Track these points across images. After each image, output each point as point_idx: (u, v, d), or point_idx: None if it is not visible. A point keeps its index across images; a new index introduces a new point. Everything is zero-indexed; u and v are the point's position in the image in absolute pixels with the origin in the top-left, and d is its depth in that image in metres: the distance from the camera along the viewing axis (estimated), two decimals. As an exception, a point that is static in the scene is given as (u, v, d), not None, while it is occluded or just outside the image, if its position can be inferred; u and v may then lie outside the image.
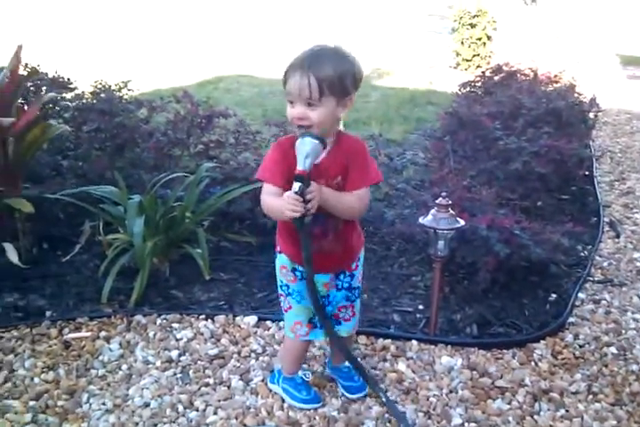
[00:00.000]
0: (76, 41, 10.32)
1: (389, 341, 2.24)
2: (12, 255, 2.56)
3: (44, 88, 3.69)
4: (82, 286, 2.56)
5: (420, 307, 2.49)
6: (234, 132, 3.60)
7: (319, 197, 1.54)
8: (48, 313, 2.37)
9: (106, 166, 3.27)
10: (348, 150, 1.66)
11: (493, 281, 2.50)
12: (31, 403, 1.88)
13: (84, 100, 3.68)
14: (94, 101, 3.64)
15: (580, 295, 2.59)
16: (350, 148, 1.67)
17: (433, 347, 2.21)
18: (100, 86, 3.79)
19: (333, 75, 1.55)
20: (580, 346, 2.24)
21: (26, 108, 3.10)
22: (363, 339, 2.24)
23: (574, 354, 2.18)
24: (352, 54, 1.64)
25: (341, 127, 1.74)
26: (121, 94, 3.79)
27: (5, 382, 1.98)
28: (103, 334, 2.23)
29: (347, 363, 1.96)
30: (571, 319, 2.40)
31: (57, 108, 3.59)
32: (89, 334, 2.22)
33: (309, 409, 1.88)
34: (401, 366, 2.10)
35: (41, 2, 16.17)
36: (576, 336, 2.30)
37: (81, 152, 3.46)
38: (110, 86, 3.81)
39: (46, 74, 3.76)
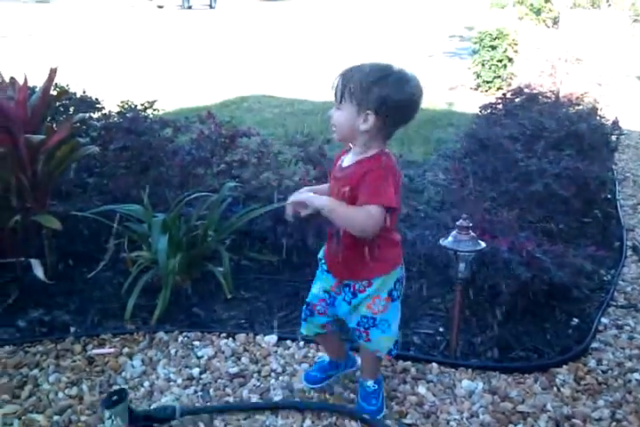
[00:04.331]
0: (103, 61, 10.57)
1: (410, 363, 2.23)
2: (38, 271, 2.61)
3: (71, 108, 3.80)
4: (106, 303, 2.60)
5: (441, 329, 2.48)
6: (256, 151, 3.64)
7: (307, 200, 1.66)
8: (72, 329, 2.40)
9: (131, 184, 3.32)
10: (367, 167, 1.66)
11: (515, 304, 2.49)
12: (55, 418, 1.90)
13: (111, 120, 3.77)
14: (121, 121, 3.73)
15: (603, 320, 2.56)
16: (369, 165, 1.67)
17: (453, 370, 2.20)
18: (126, 106, 3.89)
19: (358, 84, 1.60)
20: (604, 372, 2.21)
21: (55, 126, 3.19)
22: (383, 360, 2.24)
23: (597, 380, 2.16)
24: (407, 80, 1.64)
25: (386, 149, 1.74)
26: (146, 114, 3.88)
27: (30, 397, 2.00)
28: (126, 350, 2.26)
29: (370, 383, 1.96)
30: (594, 344, 2.37)
31: (84, 126, 3.67)
32: (112, 350, 2.25)
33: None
34: (421, 388, 2.10)
35: (69, 24, 16.61)
36: (599, 362, 2.27)
37: (107, 170, 3.53)
38: (136, 106, 3.90)
39: (74, 94, 3.87)
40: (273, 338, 2.33)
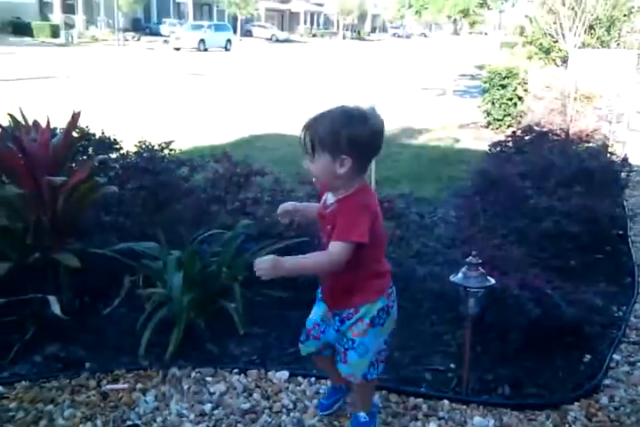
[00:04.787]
0: (122, 102, 10.88)
1: (421, 400, 2.23)
2: (55, 307, 2.67)
3: (90, 148, 3.92)
4: (120, 339, 2.63)
5: (452, 366, 2.48)
6: (270, 190, 3.73)
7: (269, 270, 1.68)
8: (87, 364, 2.44)
9: (147, 222, 3.40)
10: (345, 204, 1.75)
11: (526, 341, 2.49)
12: (70, 454, 1.93)
13: (129, 160, 3.88)
14: (138, 161, 3.84)
15: (615, 357, 2.55)
16: (347, 202, 1.76)
17: (465, 407, 2.20)
18: (143, 146, 4.01)
19: (326, 134, 1.69)
20: (616, 409, 2.20)
21: (75, 166, 3.31)
22: (394, 397, 2.25)
23: (609, 417, 2.14)
24: (367, 117, 1.70)
25: (372, 185, 1.83)
26: (163, 154, 3.99)
27: (44, 432, 2.03)
28: (139, 386, 2.29)
29: (362, 414, 1.99)
30: (606, 381, 2.37)
31: (102, 166, 3.79)
32: (126, 385, 2.28)
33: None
34: (432, 425, 2.10)
35: (90, 67, 17.15)
36: (611, 399, 2.26)
37: (124, 208, 3.62)
38: (153, 146, 4.02)
39: (94, 135, 4.00)
40: (284, 374, 2.35)
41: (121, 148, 4.02)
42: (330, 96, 11.70)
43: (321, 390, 2.28)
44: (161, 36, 37.85)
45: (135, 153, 3.95)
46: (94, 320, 2.79)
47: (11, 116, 3.10)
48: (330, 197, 1.83)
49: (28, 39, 30.87)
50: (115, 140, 4.08)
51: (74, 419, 2.10)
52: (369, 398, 2.04)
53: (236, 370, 2.39)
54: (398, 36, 72.16)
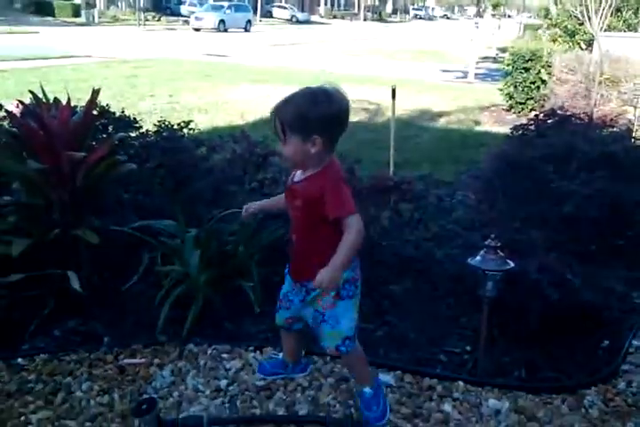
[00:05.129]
0: (142, 82, 10.88)
1: (436, 381, 2.23)
2: (75, 283, 2.70)
3: (110, 126, 3.94)
4: (138, 315, 2.66)
5: (468, 348, 2.47)
6: (287, 169, 3.71)
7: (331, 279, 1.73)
8: (106, 339, 2.47)
9: (165, 201, 3.42)
10: (320, 183, 1.81)
11: (544, 325, 2.47)
12: (87, 424, 1.96)
13: (148, 139, 3.89)
14: (157, 139, 3.85)
15: (635, 342, 2.53)
16: (320, 180, 1.81)
17: (480, 389, 2.19)
18: (162, 125, 4.01)
19: (295, 117, 1.75)
20: (633, 394, 2.18)
21: (94, 143, 3.32)
22: (408, 377, 2.25)
23: (627, 402, 2.13)
24: (331, 97, 1.76)
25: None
26: (182, 133, 3.99)
27: (63, 404, 2.07)
28: (156, 360, 2.32)
29: (367, 389, 2.01)
30: (624, 367, 2.34)
31: (122, 144, 3.80)
32: (143, 360, 2.31)
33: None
34: (447, 406, 2.10)
35: (113, 47, 17.18)
36: (629, 384, 2.24)
37: (142, 186, 3.64)
38: (172, 126, 4.02)
39: (113, 113, 4.01)
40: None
41: (140, 126, 4.03)
42: (347, 78, 11.59)
43: (336, 369, 2.29)
44: (181, 16, 37.69)
45: (155, 132, 3.96)
46: (113, 296, 2.81)
47: (32, 93, 3.11)
48: (298, 175, 1.90)
49: (49, 19, 30.96)
50: (134, 119, 4.09)
51: (91, 392, 2.13)
52: (361, 372, 2.05)
53: (251, 347, 2.41)
54: (420, 18, 71.13)
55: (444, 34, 33.37)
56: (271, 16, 48.69)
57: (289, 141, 1.78)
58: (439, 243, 3.35)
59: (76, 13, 32.92)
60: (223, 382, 2.19)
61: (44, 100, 3.11)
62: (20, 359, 2.32)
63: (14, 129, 3.03)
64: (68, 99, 3.02)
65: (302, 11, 53.83)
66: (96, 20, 31.99)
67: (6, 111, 3.28)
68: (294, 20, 46.98)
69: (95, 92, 3.08)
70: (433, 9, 77.57)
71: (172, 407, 2.05)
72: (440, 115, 8.59)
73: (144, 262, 3.02)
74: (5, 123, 3.40)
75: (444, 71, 14.89)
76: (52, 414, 2.01)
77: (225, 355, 2.36)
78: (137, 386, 2.17)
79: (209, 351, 2.39)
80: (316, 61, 16.15)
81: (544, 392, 2.17)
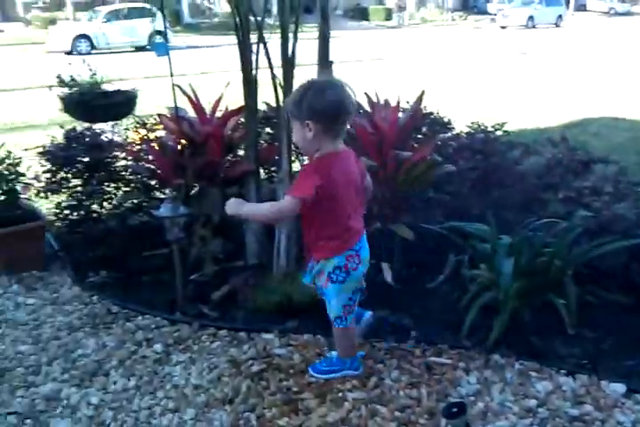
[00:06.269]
0: (448, 82, 11.06)
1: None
2: (387, 274, 2.88)
3: (423, 128, 4.05)
4: (443, 314, 2.70)
5: None
6: (613, 180, 3.37)
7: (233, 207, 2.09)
8: (413, 333, 2.56)
9: (474, 204, 3.40)
10: (303, 169, 2.14)
11: None
12: (396, 413, 2.05)
13: (460, 140, 3.90)
14: (470, 141, 3.84)
15: None
16: (305, 167, 2.14)
17: None
18: (475, 127, 3.99)
19: (292, 104, 2.02)
20: None
21: (413, 144, 3.46)
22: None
23: None
24: (325, 89, 1.98)
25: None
26: (494, 135, 3.91)
27: (375, 388, 2.20)
28: (462, 364, 2.32)
29: (334, 353, 2.33)
30: None
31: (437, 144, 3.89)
32: (449, 361, 2.33)
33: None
34: None
35: (418, 48, 17.85)
36: None
37: (452, 187, 3.67)
38: (486, 127, 3.97)
39: (432, 114, 4.12)
40: (620, 387, 2.13)
41: (453, 128, 4.07)
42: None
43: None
44: (488, 14, 37.26)
45: (467, 133, 3.96)
46: (419, 292, 2.91)
47: (367, 95, 3.36)
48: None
49: (364, 23, 33.48)
50: (449, 120, 4.15)
51: (400, 382, 2.23)
52: (344, 347, 2.29)
53: (563, 371, 2.25)
54: None
55: None
56: (585, 9, 45.03)
57: (294, 128, 2.06)
58: None
59: (388, 17, 34.96)
60: (532, 403, 2.08)
61: (374, 100, 3.35)
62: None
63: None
64: (398, 101, 3.19)
65: (623, 1, 48.58)
66: (406, 22, 33.54)
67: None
68: (612, 12, 42.67)
69: (422, 93, 3.20)
70: None
71: (477, 416, 2.03)
72: None
73: (450, 263, 3.06)
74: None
75: None
76: (365, 396, 2.15)
77: (533, 373, 2.25)
78: (443, 387, 2.19)
79: (516, 366, 2.30)
80: None
81: None
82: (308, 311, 2.72)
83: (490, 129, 3.96)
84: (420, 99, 3.24)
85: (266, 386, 2.23)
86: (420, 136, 3.89)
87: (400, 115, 3.23)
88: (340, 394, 2.17)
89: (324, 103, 1.96)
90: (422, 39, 23.13)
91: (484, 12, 39.16)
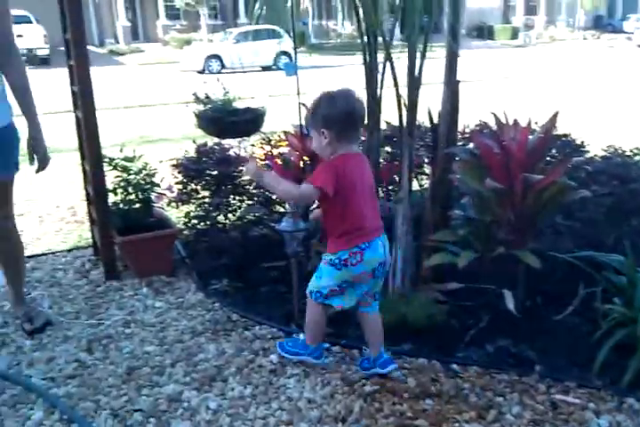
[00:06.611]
0: (578, 103, 10.51)
1: None
2: (509, 302, 2.73)
3: (553, 150, 3.86)
4: (571, 349, 2.53)
5: None
6: None
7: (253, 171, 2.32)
8: (537, 367, 2.41)
9: (607, 232, 3.18)
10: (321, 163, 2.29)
11: None
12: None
13: (595, 163, 3.68)
14: (606, 165, 3.60)
15: None
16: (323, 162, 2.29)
17: None
18: (612, 151, 3.75)
19: (309, 113, 2.24)
20: None
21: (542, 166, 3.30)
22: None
23: None
24: (335, 100, 2.17)
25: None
26: (634, 160, 3.65)
27: (494, 422, 2.09)
28: (592, 405, 2.15)
29: (302, 335, 2.50)
30: None
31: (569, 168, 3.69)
32: (578, 401, 2.17)
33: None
34: None
35: (544, 66, 17.12)
36: None
37: (583, 214, 3.46)
38: (624, 151, 3.72)
39: (564, 135, 3.92)
40: None
41: (587, 151, 3.86)
42: None
43: None
44: (624, 32, 35.15)
45: (602, 157, 3.72)
46: (545, 323, 2.75)
47: (494, 115, 3.26)
48: None
49: (489, 42, 32.79)
50: (582, 142, 3.93)
51: (522, 419, 2.09)
52: (308, 328, 2.43)
53: None
54: None
55: None
56: None
57: (312, 137, 2.24)
58: None
59: (514, 35, 34.02)
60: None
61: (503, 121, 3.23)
62: (454, 365, 2.45)
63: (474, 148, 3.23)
64: (529, 121, 3.06)
65: None
66: (533, 41, 32.45)
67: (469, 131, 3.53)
68: None
69: (555, 114, 3.05)
70: None
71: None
72: None
73: (580, 295, 2.86)
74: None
75: None
76: (483, 429, 2.05)
77: (678, 423, 2.04)
78: (570, 427, 2.04)
79: (660, 411, 2.10)
80: None
81: None
82: (422, 334, 2.66)
83: (628, 153, 3.72)
84: (553, 119, 3.09)
85: (379, 408, 2.18)
86: (548, 159, 3.72)
87: (530, 136, 3.10)
88: (457, 424, 2.08)
89: (336, 112, 2.15)
90: (551, 58, 22.24)
91: (620, 31, 37.03)
